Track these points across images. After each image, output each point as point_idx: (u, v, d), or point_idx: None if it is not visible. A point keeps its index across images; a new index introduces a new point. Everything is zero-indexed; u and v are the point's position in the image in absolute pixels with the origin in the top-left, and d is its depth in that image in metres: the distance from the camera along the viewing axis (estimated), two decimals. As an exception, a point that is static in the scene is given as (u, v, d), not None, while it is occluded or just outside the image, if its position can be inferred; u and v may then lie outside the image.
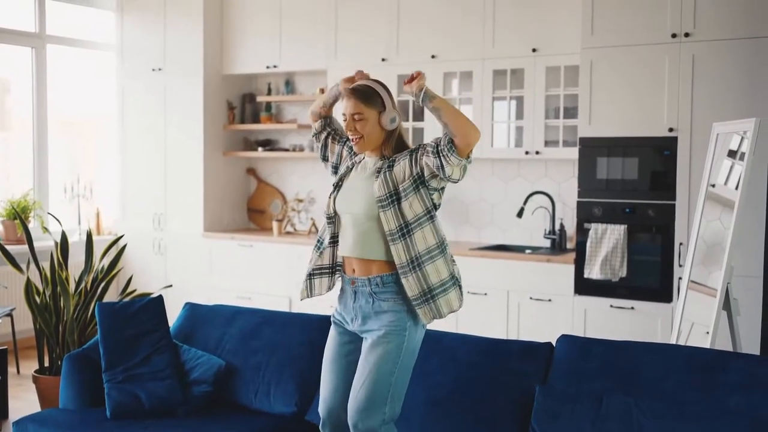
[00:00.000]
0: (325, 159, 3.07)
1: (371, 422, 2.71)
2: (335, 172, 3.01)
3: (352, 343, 2.88)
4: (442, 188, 2.79)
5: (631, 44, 4.73)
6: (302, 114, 6.67)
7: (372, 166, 2.85)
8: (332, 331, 2.94)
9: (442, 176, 2.69)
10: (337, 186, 2.91)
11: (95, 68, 7.07)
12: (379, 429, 2.72)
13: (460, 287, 2.85)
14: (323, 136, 3.06)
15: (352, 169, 2.92)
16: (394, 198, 2.73)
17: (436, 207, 2.80)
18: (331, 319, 2.96)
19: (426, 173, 2.73)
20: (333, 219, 2.90)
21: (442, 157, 2.65)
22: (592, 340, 3.02)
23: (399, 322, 2.75)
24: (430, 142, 2.72)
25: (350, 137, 2.85)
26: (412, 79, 2.74)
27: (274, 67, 6.36)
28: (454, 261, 2.86)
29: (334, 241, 2.91)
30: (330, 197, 2.91)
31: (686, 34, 4.57)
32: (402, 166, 2.76)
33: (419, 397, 2.97)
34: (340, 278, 2.93)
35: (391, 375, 2.72)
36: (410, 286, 2.72)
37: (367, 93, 2.82)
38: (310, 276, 2.95)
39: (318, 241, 2.96)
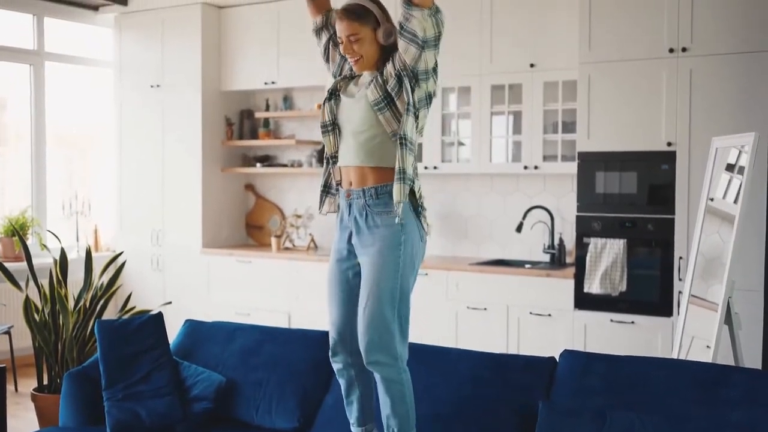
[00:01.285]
0: (326, 61, 3.05)
1: (384, 340, 2.72)
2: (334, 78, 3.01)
3: (351, 270, 2.89)
4: (434, 71, 2.73)
5: (629, 59, 4.75)
6: (300, 130, 6.68)
7: (369, 77, 2.84)
8: (331, 261, 2.95)
9: (419, 42, 2.63)
10: (332, 95, 2.90)
11: (93, 85, 7.09)
12: (392, 348, 2.73)
13: (414, 187, 2.79)
14: (324, 38, 3.02)
15: (351, 80, 2.91)
16: (388, 99, 2.73)
17: (415, 102, 2.72)
18: (332, 250, 2.96)
19: (407, 59, 2.68)
20: (328, 128, 2.89)
21: (406, 23, 2.63)
22: (594, 355, 3.01)
23: (393, 237, 2.74)
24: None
25: (348, 58, 2.84)
26: None
27: (273, 83, 6.38)
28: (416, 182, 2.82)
29: (336, 158, 2.92)
30: (324, 104, 2.90)
31: (683, 49, 4.60)
32: (389, 68, 2.75)
33: (423, 412, 2.96)
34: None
35: (394, 290, 2.72)
36: (397, 161, 2.71)
37: (359, 12, 2.80)
38: (322, 192, 2.97)
39: (325, 156, 2.96)
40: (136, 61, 6.82)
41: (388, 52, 2.81)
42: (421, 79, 2.72)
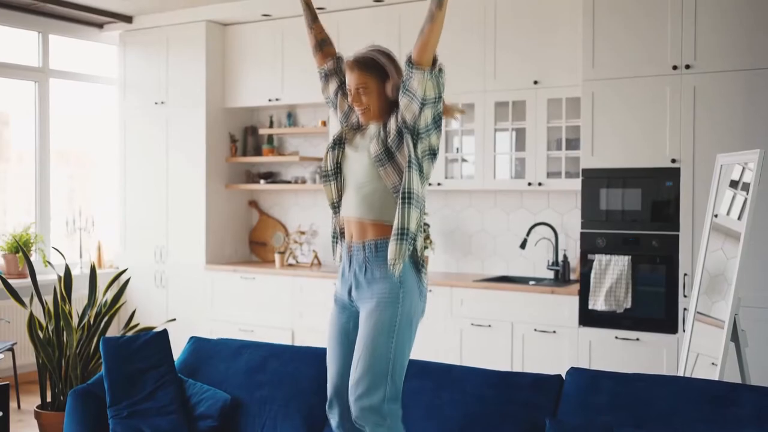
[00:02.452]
0: (334, 106, 3.05)
1: (373, 398, 2.66)
2: (340, 125, 3.01)
3: (351, 321, 2.87)
4: (435, 126, 2.71)
5: (632, 76, 4.76)
6: (304, 146, 6.69)
7: (374, 129, 2.84)
8: (333, 310, 2.94)
9: (419, 102, 2.63)
10: (337, 144, 2.90)
11: (97, 101, 7.11)
12: (381, 406, 2.66)
13: (416, 245, 2.77)
14: (333, 85, 3.02)
15: (357, 131, 2.91)
16: (388, 154, 2.72)
17: (416, 156, 2.71)
18: (333, 298, 2.95)
19: (408, 117, 2.69)
20: (330, 177, 2.89)
21: (407, 81, 2.63)
22: (601, 372, 3.00)
23: (392, 291, 2.71)
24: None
25: (356, 109, 2.85)
26: None
27: (276, 99, 6.40)
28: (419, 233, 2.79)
29: (337, 207, 2.92)
30: (328, 152, 2.89)
31: (687, 66, 4.61)
32: (391, 122, 2.76)
33: (429, 430, 2.94)
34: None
35: (388, 347, 2.69)
36: (395, 219, 2.69)
37: (370, 64, 2.81)
38: (333, 240, 2.96)
39: (331, 205, 2.96)
40: (141, 78, 6.85)
41: (395, 104, 2.80)
42: (422, 135, 2.71)
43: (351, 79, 2.82)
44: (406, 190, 2.68)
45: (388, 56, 2.86)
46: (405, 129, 2.71)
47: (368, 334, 2.71)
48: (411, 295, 2.74)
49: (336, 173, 2.89)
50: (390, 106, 2.83)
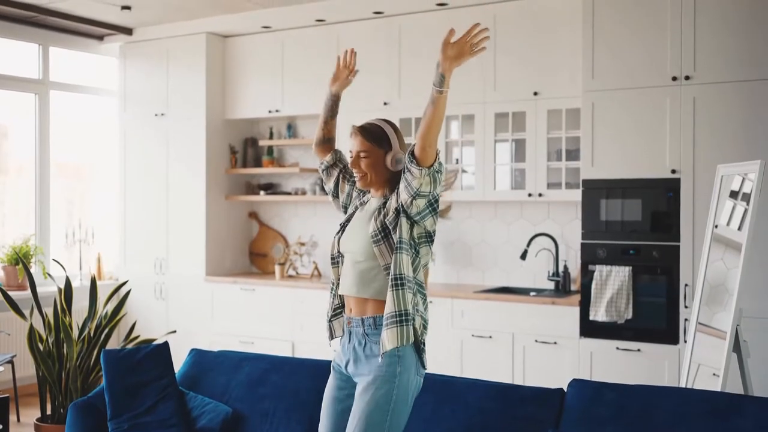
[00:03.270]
0: (335, 196, 3.06)
1: None
2: (345, 211, 3.01)
3: (346, 390, 2.84)
4: (430, 211, 2.70)
5: (632, 87, 4.78)
6: (304, 157, 6.70)
7: (375, 205, 2.84)
8: (331, 376, 2.92)
9: (413, 192, 2.62)
10: (343, 227, 2.91)
11: (97, 113, 7.11)
12: None
13: (415, 325, 2.73)
14: (335, 173, 3.05)
15: (357, 209, 2.92)
16: (384, 232, 2.72)
17: (411, 240, 2.71)
18: (331, 364, 2.93)
19: (402, 199, 2.68)
20: (337, 260, 2.90)
21: (407, 173, 2.62)
22: (603, 384, 2.99)
23: (389, 368, 2.67)
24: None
25: (354, 174, 2.86)
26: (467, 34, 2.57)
27: (277, 111, 6.41)
28: (420, 299, 2.76)
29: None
30: (335, 237, 2.91)
31: (687, 77, 4.62)
32: (391, 201, 2.75)
33: (431, 444, 2.94)
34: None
35: (382, 423, 2.65)
36: (389, 303, 2.65)
37: (373, 132, 2.82)
38: (330, 319, 2.93)
39: (332, 283, 2.95)
40: (141, 90, 6.86)
41: (396, 175, 2.81)
42: (417, 220, 2.71)
43: (354, 143, 2.83)
44: (396, 274, 2.66)
45: (395, 129, 2.86)
46: (402, 210, 2.71)
47: (363, 410, 2.67)
48: (408, 371, 2.70)
49: (341, 257, 2.89)
50: (390, 177, 2.83)
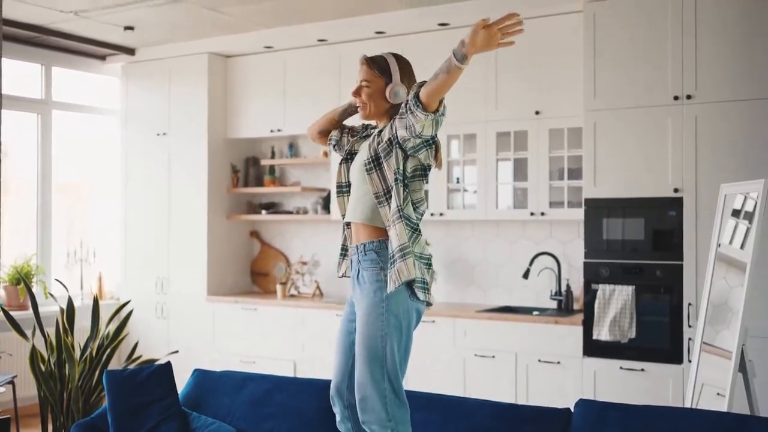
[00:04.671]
0: (338, 150, 3.11)
1: (372, 401, 2.70)
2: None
3: (354, 323, 2.89)
4: (425, 145, 2.71)
5: (634, 106, 4.79)
6: (306, 177, 6.70)
7: (374, 135, 2.89)
8: (345, 308, 2.99)
9: (415, 135, 2.65)
10: (348, 157, 2.96)
11: (99, 132, 7.12)
12: (382, 412, 2.69)
13: (421, 261, 2.78)
14: (344, 140, 3.07)
15: (363, 140, 2.97)
16: (376, 161, 2.76)
17: (404, 172, 2.74)
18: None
19: (399, 135, 2.71)
20: (343, 189, 2.95)
21: (409, 113, 2.64)
22: (609, 404, 2.98)
23: (376, 294, 2.74)
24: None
25: (356, 103, 2.90)
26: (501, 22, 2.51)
27: (278, 130, 6.42)
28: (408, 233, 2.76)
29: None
30: (341, 165, 2.95)
31: (688, 96, 4.64)
32: (385, 131, 2.79)
33: (438, 465, 2.92)
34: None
35: (379, 350, 2.70)
36: (390, 246, 2.72)
37: (378, 63, 2.87)
38: (340, 255, 3.00)
39: (342, 216, 3.01)
40: (143, 110, 6.88)
41: (396, 110, 2.83)
42: (410, 153, 2.74)
43: (359, 72, 2.88)
44: (396, 207, 2.71)
45: (402, 63, 2.89)
46: (395, 141, 2.73)
47: (360, 338, 2.75)
48: (397, 298, 2.73)
49: (349, 186, 2.94)
50: (390, 109, 2.87)
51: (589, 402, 3.00)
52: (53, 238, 6.70)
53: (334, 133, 3.11)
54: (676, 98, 4.67)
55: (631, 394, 4.63)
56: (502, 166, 5.55)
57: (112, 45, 6.63)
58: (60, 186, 6.87)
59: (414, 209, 2.79)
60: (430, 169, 2.81)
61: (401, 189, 2.72)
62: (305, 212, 6.55)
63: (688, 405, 3.95)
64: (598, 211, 4.89)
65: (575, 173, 5.27)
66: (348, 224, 2.95)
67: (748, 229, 3.63)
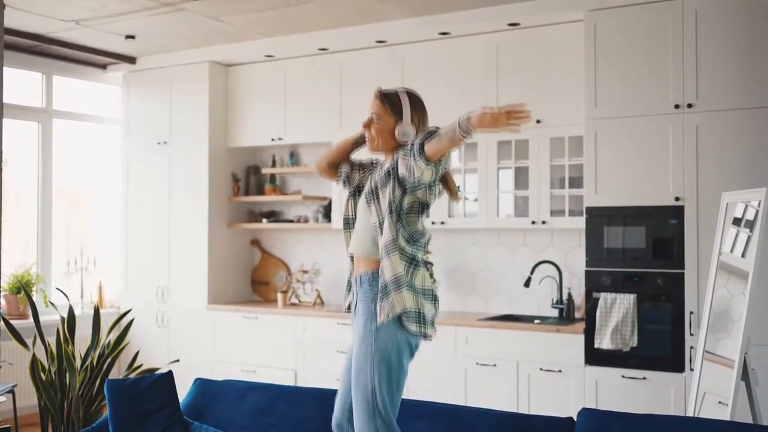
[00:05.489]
0: (347, 186, 3.10)
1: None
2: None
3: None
4: (424, 187, 2.73)
5: (635, 115, 4.79)
6: (307, 185, 6.70)
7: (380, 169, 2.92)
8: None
9: (414, 180, 2.68)
10: (355, 192, 2.98)
11: (100, 141, 7.12)
12: None
13: (421, 295, 2.78)
14: (355, 175, 3.06)
15: (370, 174, 2.99)
16: (376, 192, 2.79)
17: (399, 205, 2.75)
18: None
19: (399, 171, 2.74)
20: (349, 224, 2.96)
21: (412, 159, 2.66)
22: (612, 413, 2.97)
23: (366, 326, 2.75)
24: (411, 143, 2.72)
25: (365, 134, 2.92)
26: (513, 113, 2.56)
27: (279, 139, 6.43)
28: (417, 265, 2.78)
29: None
30: (348, 199, 2.97)
31: (689, 105, 4.64)
32: (388, 163, 2.83)
33: (441, 475, 2.91)
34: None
35: (368, 383, 2.71)
36: (380, 278, 2.74)
37: (390, 99, 2.88)
38: (347, 288, 3.01)
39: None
40: (144, 118, 6.88)
41: (400, 146, 2.85)
42: (408, 191, 2.76)
43: (371, 105, 2.91)
44: (386, 241, 2.73)
45: (414, 101, 2.88)
46: (395, 176, 2.76)
47: (353, 373, 2.77)
48: (386, 329, 2.72)
49: (355, 219, 2.95)
50: (397, 147, 2.88)
51: (592, 411, 2.99)
52: (54, 246, 6.70)
53: (344, 168, 3.08)
54: (677, 107, 4.67)
55: (633, 403, 4.62)
56: (503, 175, 5.56)
57: (113, 54, 6.64)
58: (61, 195, 6.87)
59: (413, 241, 2.78)
60: (429, 207, 2.83)
61: (394, 220, 2.73)
62: (306, 221, 6.55)
63: (690, 413, 3.94)
64: (599, 219, 4.89)
65: (576, 182, 5.27)
66: (352, 257, 2.95)
67: (749, 238, 3.63)
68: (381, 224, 2.75)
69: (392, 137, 2.86)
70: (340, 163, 3.09)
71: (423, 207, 2.80)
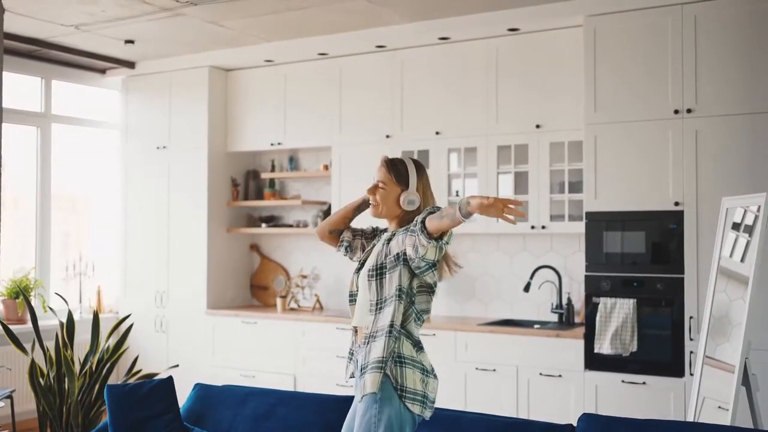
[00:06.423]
0: (351, 253, 3.11)
1: None
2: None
3: (355, 420, 2.86)
4: (431, 267, 2.73)
5: (635, 120, 4.80)
6: (306, 190, 6.70)
7: (384, 238, 2.90)
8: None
9: (419, 258, 2.69)
10: (361, 267, 2.96)
11: (99, 145, 7.12)
12: None
13: (404, 365, 2.77)
14: (357, 243, 3.08)
15: (374, 246, 2.97)
16: (380, 271, 2.79)
17: (409, 289, 2.76)
18: None
19: (408, 253, 2.74)
20: (353, 297, 2.94)
21: (416, 237, 2.67)
22: (613, 419, 2.97)
23: (367, 402, 2.73)
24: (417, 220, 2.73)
25: (370, 201, 2.93)
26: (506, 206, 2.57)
27: (278, 144, 6.43)
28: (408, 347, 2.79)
29: None
30: (354, 274, 2.96)
31: (688, 110, 4.65)
32: (397, 241, 2.80)
33: (441, 480, 2.91)
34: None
35: None
36: (377, 348, 2.73)
37: (397, 168, 2.90)
38: (348, 358, 2.97)
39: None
40: (143, 123, 6.88)
41: (407, 217, 2.87)
42: (416, 273, 2.76)
43: (377, 172, 2.93)
44: (391, 321, 2.72)
45: (420, 170, 2.92)
46: (404, 259, 2.75)
47: None
48: (389, 410, 2.70)
49: (358, 293, 2.94)
50: (402, 215, 2.90)
51: (593, 416, 2.99)
52: (52, 251, 6.69)
53: (346, 235, 3.10)
54: (676, 112, 4.68)
55: (633, 408, 4.62)
56: (503, 180, 5.56)
57: (113, 58, 6.64)
58: (59, 199, 6.86)
59: (416, 319, 2.80)
60: (436, 286, 2.84)
61: (401, 305, 2.75)
62: (305, 225, 6.55)
63: (690, 418, 3.94)
64: (598, 224, 4.89)
65: (576, 186, 5.28)
66: (356, 329, 2.95)
67: (748, 243, 3.63)
68: (378, 303, 2.76)
69: (397, 204, 2.89)
70: (342, 231, 3.11)
71: (431, 288, 2.83)
